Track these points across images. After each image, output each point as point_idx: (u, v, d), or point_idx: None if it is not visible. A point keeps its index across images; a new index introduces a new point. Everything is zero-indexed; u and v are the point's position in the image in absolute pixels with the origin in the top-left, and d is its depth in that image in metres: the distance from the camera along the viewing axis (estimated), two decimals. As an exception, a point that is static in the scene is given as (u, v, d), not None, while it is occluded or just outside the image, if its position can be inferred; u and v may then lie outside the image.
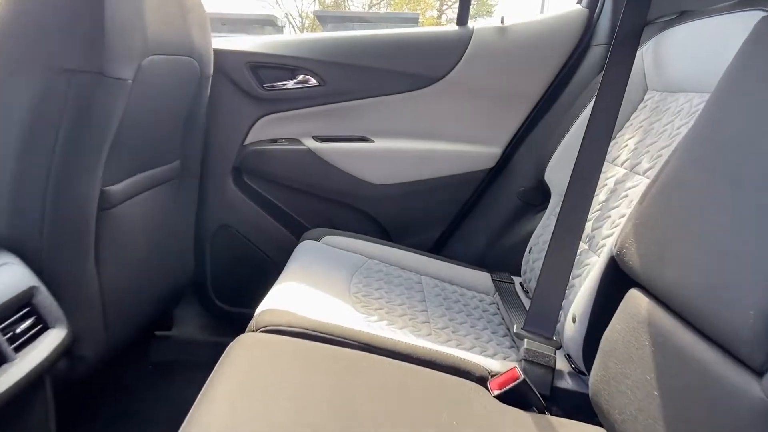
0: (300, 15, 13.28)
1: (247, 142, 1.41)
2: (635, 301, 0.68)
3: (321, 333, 0.81)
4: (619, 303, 0.74)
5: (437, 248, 1.47)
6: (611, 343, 0.69)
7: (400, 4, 13.77)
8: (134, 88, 0.90)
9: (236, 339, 0.76)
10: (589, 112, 1.17)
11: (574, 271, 0.97)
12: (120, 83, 0.86)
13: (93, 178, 0.89)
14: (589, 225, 1.00)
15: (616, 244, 0.75)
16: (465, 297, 1.17)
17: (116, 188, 0.97)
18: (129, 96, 0.89)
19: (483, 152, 1.40)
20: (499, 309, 1.15)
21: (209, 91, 1.27)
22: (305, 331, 0.80)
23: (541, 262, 1.12)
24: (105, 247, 0.95)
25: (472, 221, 1.45)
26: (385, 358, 0.78)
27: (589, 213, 0.98)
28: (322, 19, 9.04)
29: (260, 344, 0.75)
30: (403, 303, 1.04)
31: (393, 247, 1.27)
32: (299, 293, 0.96)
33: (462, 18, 1.39)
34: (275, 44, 1.39)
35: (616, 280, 0.77)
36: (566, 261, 0.94)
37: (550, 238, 1.04)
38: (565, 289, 0.94)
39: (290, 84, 1.38)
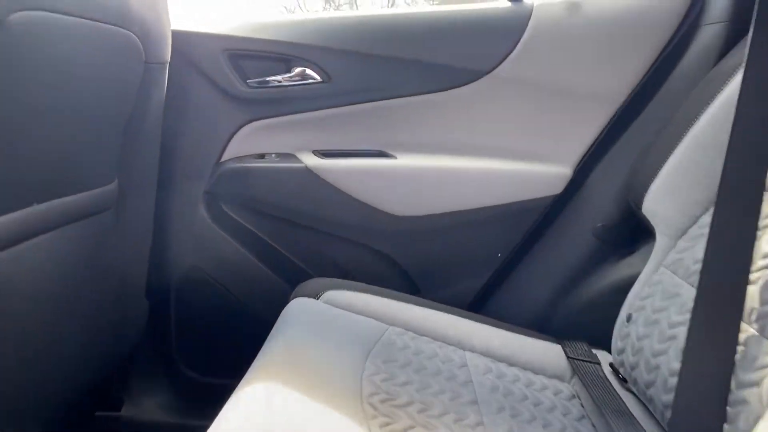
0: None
1: (224, 157, 1.09)
2: None
3: None
4: None
5: (480, 304, 1.11)
6: None
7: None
8: None
9: None
10: (710, 118, 0.83)
11: (741, 376, 0.58)
12: None
13: None
14: (754, 293, 0.62)
15: None
16: (532, 389, 0.79)
17: None
18: None
19: (546, 173, 1.04)
20: (584, 408, 0.76)
21: (166, 85, 0.92)
22: None
23: (651, 340, 0.74)
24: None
25: (531, 267, 1.09)
26: None
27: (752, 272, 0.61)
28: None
29: None
30: (445, 412, 0.66)
31: (422, 305, 0.93)
32: (276, 403, 0.58)
33: (516, -10, 1.04)
34: (263, 26, 1.05)
35: None
36: (724, 358, 0.57)
37: (669, 306, 0.67)
38: (726, 406, 0.56)
39: (283, 80, 1.05)
